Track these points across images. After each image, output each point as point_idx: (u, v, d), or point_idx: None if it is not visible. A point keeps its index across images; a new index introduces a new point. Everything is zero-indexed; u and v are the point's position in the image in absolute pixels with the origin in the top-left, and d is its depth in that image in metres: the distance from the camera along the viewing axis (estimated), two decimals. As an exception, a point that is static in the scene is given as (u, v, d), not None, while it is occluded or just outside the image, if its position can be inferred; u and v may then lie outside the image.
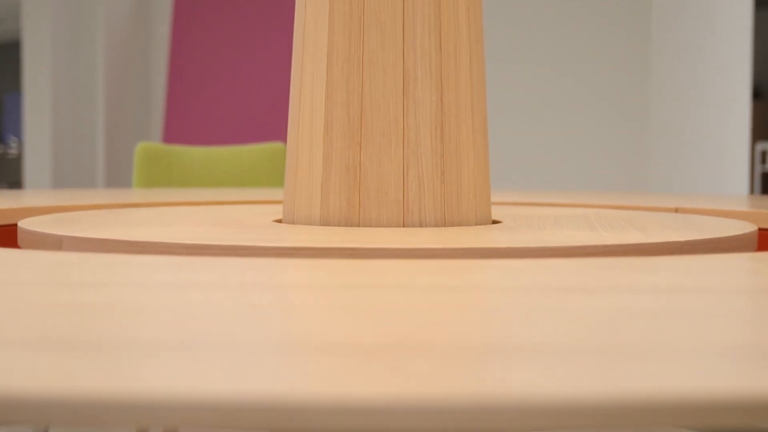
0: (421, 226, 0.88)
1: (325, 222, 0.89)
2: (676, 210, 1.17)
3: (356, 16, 0.88)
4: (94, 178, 6.13)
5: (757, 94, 8.53)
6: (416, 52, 0.88)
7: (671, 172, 3.50)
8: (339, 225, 0.88)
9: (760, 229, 1.10)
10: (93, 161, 6.11)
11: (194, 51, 5.47)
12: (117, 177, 5.92)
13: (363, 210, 0.87)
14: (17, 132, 15.55)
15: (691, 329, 0.35)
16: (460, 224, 0.89)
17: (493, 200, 1.33)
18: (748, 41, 3.87)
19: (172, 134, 5.48)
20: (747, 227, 0.88)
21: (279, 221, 0.96)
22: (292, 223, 0.92)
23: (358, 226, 0.88)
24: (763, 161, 7.53)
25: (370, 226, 0.87)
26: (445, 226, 0.88)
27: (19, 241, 0.85)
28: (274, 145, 1.88)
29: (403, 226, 0.87)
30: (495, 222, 0.96)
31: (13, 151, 16.06)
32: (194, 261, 0.58)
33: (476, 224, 0.91)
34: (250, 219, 0.94)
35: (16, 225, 1.09)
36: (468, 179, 0.90)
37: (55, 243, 0.78)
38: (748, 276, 0.54)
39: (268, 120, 5.10)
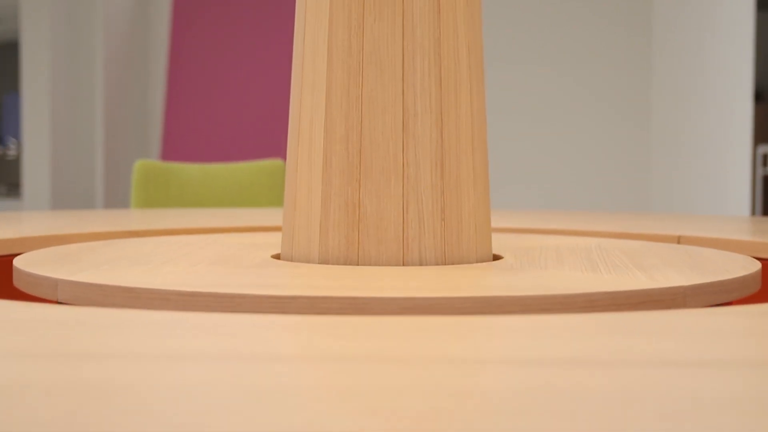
0: (421, 264, 0.87)
1: (324, 260, 0.88)
2: (679, 239, 1.16)
3: (355, 51, 0.87)
4: (93, 178, 6.12)
5: (759, 97, 8.52)
6: (416, 89, 0.87)
7: (672, 174, 3.49)
8: (338, 263, 0.87)
9: (763, 260, 1.09)
10: (92, 161, 6.10)
11: (194, 51, 5.46)
12: (116, 177, 5.91)
13: (362, 248, 0.87)
14: (16, 132, 15.53)
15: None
16: (460, 262, 0.89)
17: (494, 224, 1.32)
18: (750, 43, 3.86)
19: (173, 131, 5.47)
20: (750, 265, 0.87)
21: (277, 256, 0.95)
22: (291, 260, 0.91)
23: (357, 264, 0.87)
24: (765, 164, 7.53)
25: (370, 264, 0.87)
26: (445, 264, 0.88)
27: (15, 281, 0.85)
28: (274, 162, 1.87)
29: (403, 265, 0.87)
30: (496, 257, 0.95)
31: (11, 152, 16.06)
32: (187, 319, 0.57)
33: (477, 261, 0.90)
34: (247, 255, 0.93)
35: (11, 257, 1.09)
36: (468, 216, 0.89)
37: (51, 286, 0.77)
38: (758, 343, 0.54)
39: (267, 135, 5.09)
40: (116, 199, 5.92)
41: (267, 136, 5.10)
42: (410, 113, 0.87)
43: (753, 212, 4.54)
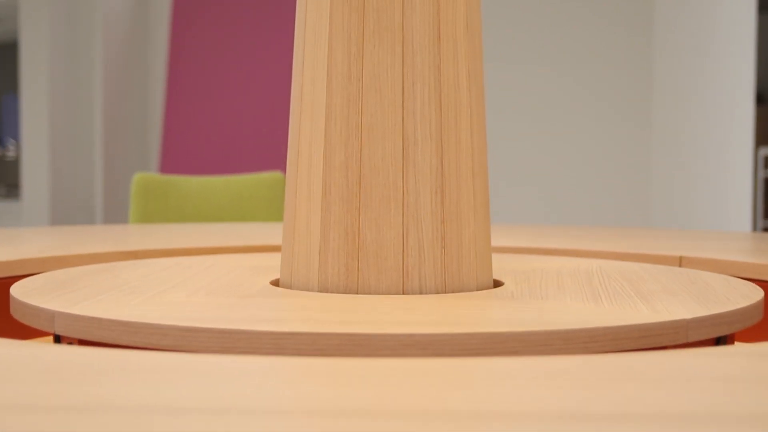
0: (421, 292, 0.87)
1: (323, 288, 0.88)
2: (681, 261, 1.16)
3: (354, 78, 0.87)
4: (92, 179, 6.11)
5: (761, 99, 8.51)
6: (416, 116, 0.87)
7: (673, 176, 3.48)
8: (337, 291, 0.87)
9: (765, 282, 1.09)
10: (91, 162, 6.10)
11: (194, 55, 5.46)
12: (115, 178, 5.90)
13: (362, 276, 0.86)
14: (15, 133, 15.54)
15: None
16: (461, 290, 0.88)
17: (493, 241, 1.32)
18: (752, 45, 3.85)
19: (173, 130, 5.47)
20: (753, 293, 0.87)
21: (276, 282, 0.95)
22: (290, 287, 0.91)
23: (357, 292, 0.87)
24: (766, 166, 7.52)
25: (369, 292, 0.86)
26: (445, 292, 0.87)
27: (12, 311, 0.84)
28: (273, 175, 1.87)
29: (403, 293, 0.86)
30: (496, 283, 0.95)
31: (11, 153, 16.06)
32: (184, 364, 0.57)
33: (477, 288, 0.90)
34: (246, 281, 0.93)
35: (9, 281, 1.08)
36: (469, 243, 0.89)
37: (48, 318, 0.77)
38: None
39: (267, 145, 5.09)
40: (116, 199, 5.92)
41: (267, 146, 5.10)
42: (410, 141, 0.87)
43: (754, 214, 4.54)
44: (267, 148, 5.08)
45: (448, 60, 0.88)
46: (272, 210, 1.83)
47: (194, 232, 1.44)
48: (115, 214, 5.94)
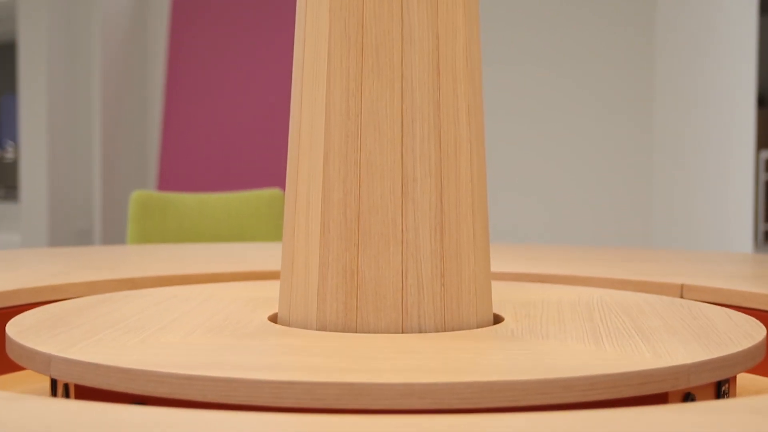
0: (420, 331, 0.87)
1: (322, 326, 0.87)
2: (682, 289, 1.16)
3: (353, 115, 0.87)
4: (90, 184, 6.11)
5: (762, 102, 8.50)
6: (415, 153, 0.87)
7: (674, 178, 3.48)
8: (336, 330, 0.87)
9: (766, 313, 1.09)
10: (89, 165, 6.09)
11: (193, 64, 5.46)
12: (114, 179, 5.90)
13: (360, 315, 0.86)
14: (13, 134, 15.54)
15: None
16: (460, 327, 0.88)
17: (492, 265, 1.32)
18: (753, 48, 3.84)
19: (171, 137, 5.47)
20: (755, 331, 0.86)
21: (275, 317, 0.95)
22: (288, 324, 0.91)
23: (356, 331, 0.86)
24: (767, 169, 7.51)
25: (368, 331, 0.86)
26: (445, 330, 0.87)
27: (8, 350, 0.84)
28: (271, 192, 1.87)
29: (402, 332, 0.86)
30: (496, 318, 0.95)
31: (9, 155, 16.05)
32: (181, 423, 0.57)
33: (477, 326, 0.90)
34: (244, 317, 0.92)
35: (4, 311, 1.08)
36: (469, 281, 0.89)
37: (44, 362, 0.77)
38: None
39: (266, 161, 5.08)
40: (114, 199, 5.91)
41: (266, 162, 5.09)
42: (409, 178, 0.86)
43: (756, 217, 4.53)
44: (266, 162, 5.08)
45: (447, 95, 0.88)
46: (271, 227, 1.83)
47: (192, 256, 1.44)
48: (114, 217, 5.94)
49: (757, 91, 4.04)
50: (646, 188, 3.46)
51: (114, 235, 5.93)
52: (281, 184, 4.74)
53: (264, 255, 1.49)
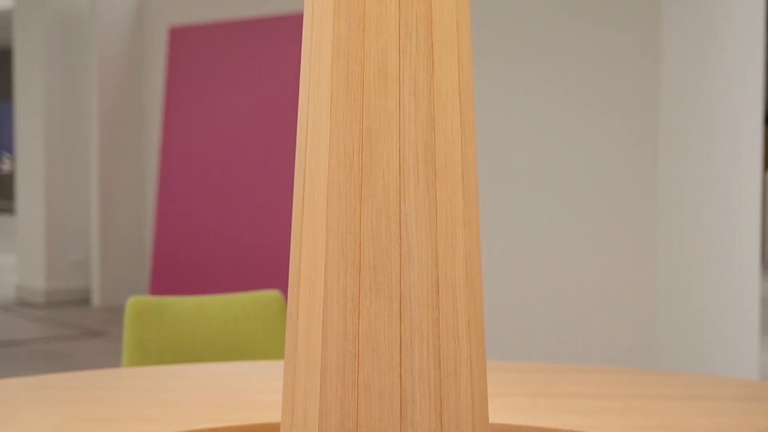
0: None
1: None
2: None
3: (350, 336, 0.86)
4: (88, 188, 6.11)
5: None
6: (414, 374, 0.86)
7: (680, 198, 3.47)
8: None
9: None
10: (87, 170, 6.09)
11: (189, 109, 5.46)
12: (112, 184, 5.89)
13: None
14: (10, 141, 15.59)
15: None
16: None
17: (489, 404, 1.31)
18: (760, 64, 3.83)
19: (172, 137, 5.47)
20: None
21: None
22: None
23: None
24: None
25: None
26: None
27: None
28: (270, 294, 1.86)
29: None
30: None
31: (5, 166, 16.08)
32: None
33: None
34: None
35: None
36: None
37: None
38: None
39: (266, 257, 5.08)
40: (111, 230, 5.91)
41: (266, 258, 5.08)
42: (408, 400, 0.86)
43: (763, 233, 4.50)
44: (266, 258, 5.06)
45: (447, 312, 0.87)
46: (269, 331, 1.82)
47: (189, 386, 1.43)
48: (111, 249, 5.93)
49: (765, 109, 4.03)
50: (651, 209, 3.44)
51: (111, 269, 5.92)
52: (279, 285, 4.75)
53: (264, 383, 1.49)
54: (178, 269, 5.55)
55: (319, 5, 0.89)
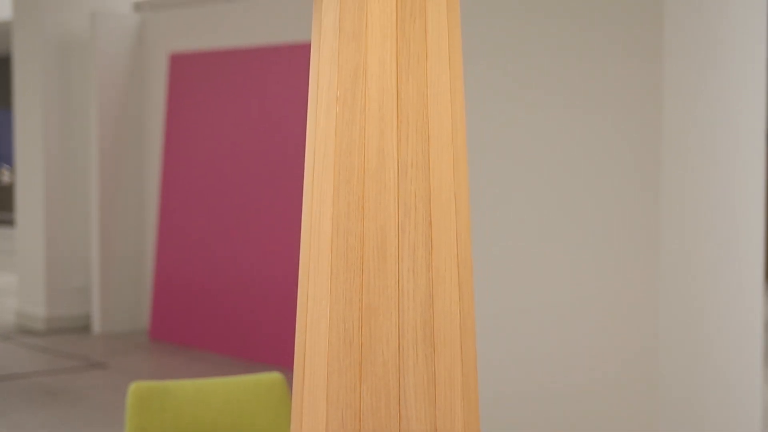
0: None
1: None
2: None
3: None
4: (88, 214, 6.13)
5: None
6: None
7: (684, 219, 3.49)
8: None
9: None
10: (87, 196, 6.11)
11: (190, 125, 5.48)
12: (112, 210, 5.91)
13: None
14: (9, 149, 15.62)
15: None
16: None
17: None
18: (762, 63, 3.84)
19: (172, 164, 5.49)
20: None
21: None
22: None
23: None
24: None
25: None
26: None
27: None
28: (271, 376, 1.88)
29: None
30: None
31: (5, 178, 16.13)
32: None
33: None
34: None
35: None
36: None
37: None
38: None
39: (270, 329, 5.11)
40: (111, 257, 5.93)
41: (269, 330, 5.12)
42: None
43: (767, 234, 4.51)
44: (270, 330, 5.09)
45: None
46: (271, 414, 1.84)
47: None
48: (111, 274, 5.96)
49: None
50: (654, 229, 3.46)
51: (111, 295, 5.95)
52: (283, 360, 4.77)
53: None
54: (179, 296, 5.58)
55: (319, 181, 0.91)
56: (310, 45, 0.88)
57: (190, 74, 5.46)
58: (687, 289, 3.54)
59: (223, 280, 5.31)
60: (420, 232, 0.90)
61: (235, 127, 5.24)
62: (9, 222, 15.58)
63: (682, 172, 3.50)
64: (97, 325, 5.94)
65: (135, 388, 1.82)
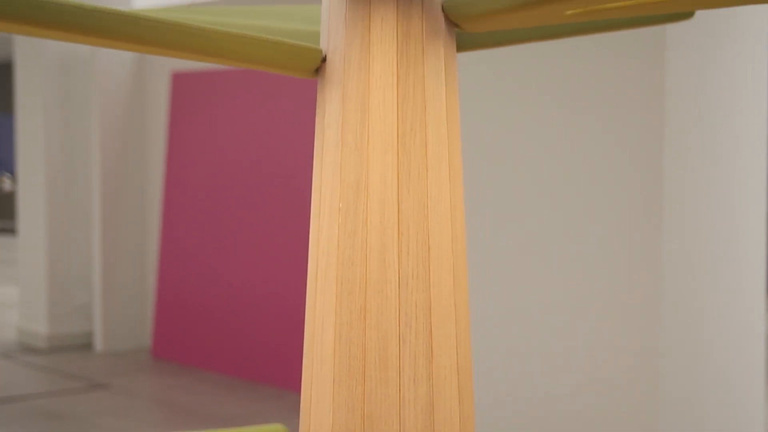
0: None
1: None
2: None
3: None
4: (90, 232, 6.17)
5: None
6: None
7: (685, 219, 3.52)
8: None
9: None
10: (89, 213, 6.16)
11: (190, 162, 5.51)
12: (114, 228, 5.95)
13: None
14: (9, 155, 15.70)
15: None
16: None
17: None
18: (765, 63, 3.87)
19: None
20: None
21: None
22: None
23: None
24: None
25: None
26: None
27: None
28: (273, 428, 1.91)
29: None
30: None
31: (6, 186, 16.20)
32: None
33: None
34: None
35: None
36: None
37: None
38: None
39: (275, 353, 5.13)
40: (114, 272, 5.97)
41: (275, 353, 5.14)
42: None
43: None
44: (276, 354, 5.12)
45: None
46: (274, 467, 1.87)
47: None
48: (114, 291, 5.99)
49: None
50: (656, 206, 3.49)
51: (113, 313, 5.98)
52: (293, 385, 4.80)
53: None
54: (181, 314, 5.61)
55: (322, 290, 0.94)
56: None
57: (192, 93, 5.50)
58: (688, 289, 3.56)
59: (226, 299, 5.34)
60: (421, 341, 0.92)
61: (237, 147, 5.27)
62: (10, 230, 15.70)
63: (683, 172, 3.53)
64: (99, 343, 5.97)
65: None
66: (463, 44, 1.04)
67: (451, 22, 0.96)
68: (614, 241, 3.58)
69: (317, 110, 0.98)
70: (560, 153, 3.69)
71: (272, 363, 5.08)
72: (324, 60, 0.95)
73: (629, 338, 3.52)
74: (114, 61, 5.85)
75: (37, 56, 5.97)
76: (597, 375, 3.59)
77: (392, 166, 0.92)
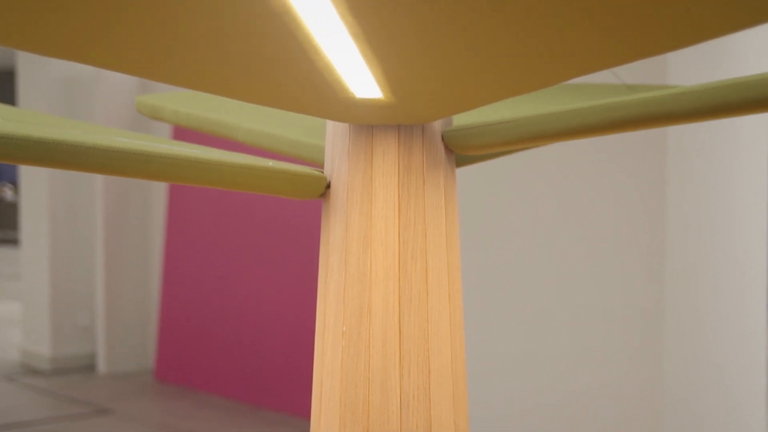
0: None
1: None
2: None
3: None
4: (93, 253, 6.22)
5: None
6: None
7: (688, 223, 3.56)
8: None
9: None
10: (92, 235, 6.20)
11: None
12: (117, 249, 6.00)
13: None
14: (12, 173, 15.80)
15: None
16: None
17: None
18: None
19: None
20: None
21: None
22: None
23: None
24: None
25: None
26: None
27: None
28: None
29: None
30: None
31: (8, 196, 16.26)
32: None
33: None
34: None
35: None
36: None
37: None
38: None
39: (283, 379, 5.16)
40: (116, 294, 6.02)
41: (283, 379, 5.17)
42: None
43: None
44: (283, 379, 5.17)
45: None
46: None
47: None
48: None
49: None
50: (660, 271, 3.52)
51: (116, 335, 6.03)
52: (300, 409, 4.83)
53: None
54: (184, 336, 5.66)
55: (326, 411, 0.99)
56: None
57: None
58: (690, 293, 3.60)
59: (229, 321, 5.39)
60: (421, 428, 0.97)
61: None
62: (12, 241, 15.76)
63: (685, 177, 3.56)
64: (102, 365, 6.02)
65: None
66: (462, 160, 1.09)
67: (451, 150, 1.00)
68: (617, 245, 3.61)
69: (322, 231, 1.03)
70: (563, 154, 3.72)
71: (275, 387, 5.13)
72: (328, 186, 1.00)
73: (632, 342, 3.56)
74: (117, 82, 5.90)
75: (40, 71, 6.03)
76: (600, 378, 3.63)
77: (394, 292, 0.97)
